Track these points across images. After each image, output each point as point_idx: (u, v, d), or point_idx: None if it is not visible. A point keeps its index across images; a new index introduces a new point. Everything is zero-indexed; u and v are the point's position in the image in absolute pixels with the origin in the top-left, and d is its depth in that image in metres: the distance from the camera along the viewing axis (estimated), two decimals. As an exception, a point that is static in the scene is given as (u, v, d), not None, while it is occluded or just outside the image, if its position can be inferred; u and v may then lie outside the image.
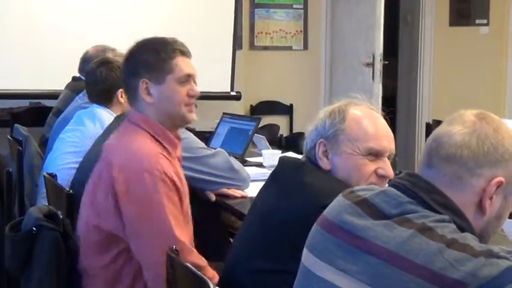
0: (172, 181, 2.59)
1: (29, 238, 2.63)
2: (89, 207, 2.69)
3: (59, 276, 2.63)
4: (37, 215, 2.70)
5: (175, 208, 2.60)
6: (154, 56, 2.71)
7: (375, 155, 2.27)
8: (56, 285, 2.63)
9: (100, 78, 3.85)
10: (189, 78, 2.74)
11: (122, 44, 4.98)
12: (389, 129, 2.35)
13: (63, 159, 3.78)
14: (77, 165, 3.58)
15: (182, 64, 2.73)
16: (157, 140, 2.69)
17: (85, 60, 4.92)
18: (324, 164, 2.26)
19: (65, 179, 3.51)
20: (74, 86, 5.00)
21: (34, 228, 2.61)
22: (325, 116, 2.30)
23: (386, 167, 2.29)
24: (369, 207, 1.73)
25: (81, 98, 4.36)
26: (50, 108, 5.46)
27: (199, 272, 2.12)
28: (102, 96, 3.87)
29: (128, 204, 2.57)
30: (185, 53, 2.76)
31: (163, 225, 2.56)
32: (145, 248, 2.58)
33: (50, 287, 2.62)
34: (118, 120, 3.55)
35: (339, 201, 1.81)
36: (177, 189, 2.63)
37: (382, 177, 2.28)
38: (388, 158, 2.31)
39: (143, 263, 2.60)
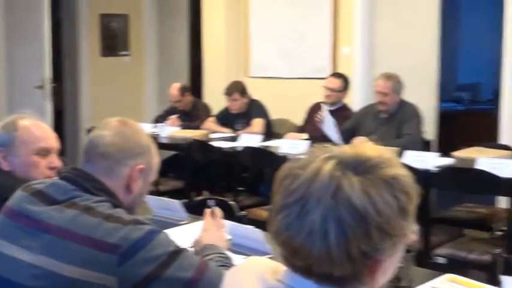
0: None
1: None
2: None
3: None
4: None
5: None
6: None
7: (44, 153, 2.39)
8: None
9: None
10: None
11: None
12: (52, 132, 2.48)
13: None
14: None
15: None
16: None
17: None
18: (4, 166, 2.35)
19: None
20: None
21: None
22: None
23: (55, 161, 2.41)
24: (43, 196, 1.80)
25: None
26: None
27: None
28: None
29: None
30: None
31: None
32: None
33: None
34: None
35: (19, 194, 1.86)
36: None
37: (53, 168, 2.39)
38: (54, 154, 2.44)
39: None
